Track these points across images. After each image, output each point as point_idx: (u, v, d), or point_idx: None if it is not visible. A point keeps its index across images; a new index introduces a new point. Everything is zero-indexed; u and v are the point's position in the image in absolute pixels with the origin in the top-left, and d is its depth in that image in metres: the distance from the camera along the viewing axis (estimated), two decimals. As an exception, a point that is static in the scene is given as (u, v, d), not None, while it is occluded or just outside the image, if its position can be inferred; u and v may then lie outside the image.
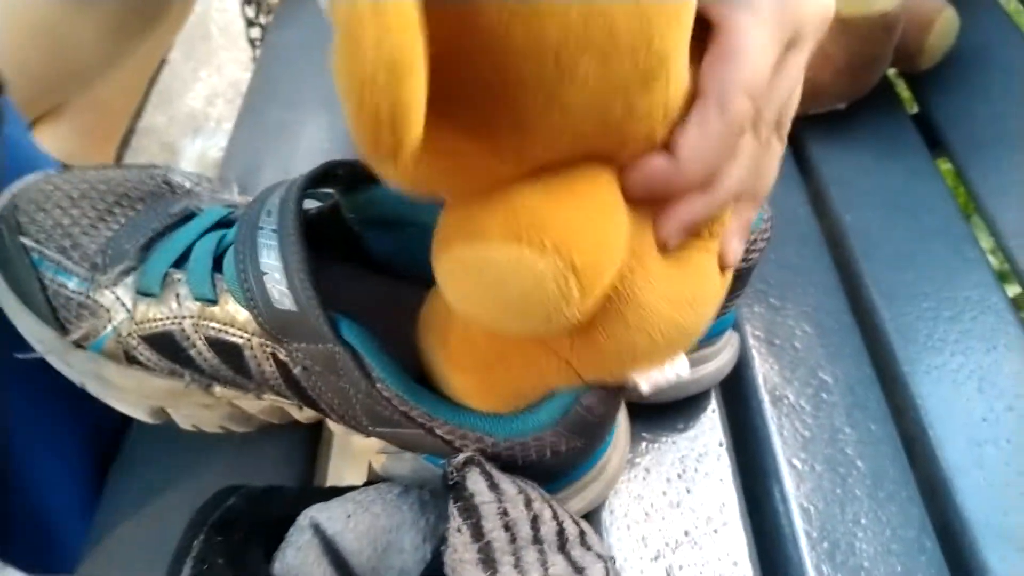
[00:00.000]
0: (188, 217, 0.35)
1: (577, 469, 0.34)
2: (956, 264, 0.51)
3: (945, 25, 0.58)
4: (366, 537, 0.28)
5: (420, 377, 0.32)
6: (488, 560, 0.24)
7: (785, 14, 0.23)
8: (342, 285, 0.36)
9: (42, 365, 0.35)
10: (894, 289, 0.49)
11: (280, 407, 0.36)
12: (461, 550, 0.24)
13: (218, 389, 0.35)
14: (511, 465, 0.30)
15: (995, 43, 0.63)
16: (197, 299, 0.32)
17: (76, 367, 0.35)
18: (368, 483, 0.32)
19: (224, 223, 0.34)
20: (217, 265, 0.32)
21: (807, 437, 0.42)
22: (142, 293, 0.33)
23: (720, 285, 0.27)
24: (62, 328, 0.34)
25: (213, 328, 0.32)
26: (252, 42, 0.96)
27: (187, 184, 0.38)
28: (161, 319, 0.33)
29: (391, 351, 0.30)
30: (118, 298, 0.33)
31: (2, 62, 0.47)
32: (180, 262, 0.33)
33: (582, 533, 0.28)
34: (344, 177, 0.34)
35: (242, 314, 0.31)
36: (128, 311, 0.33)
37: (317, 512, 0.29)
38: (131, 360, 0.34)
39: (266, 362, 0.32)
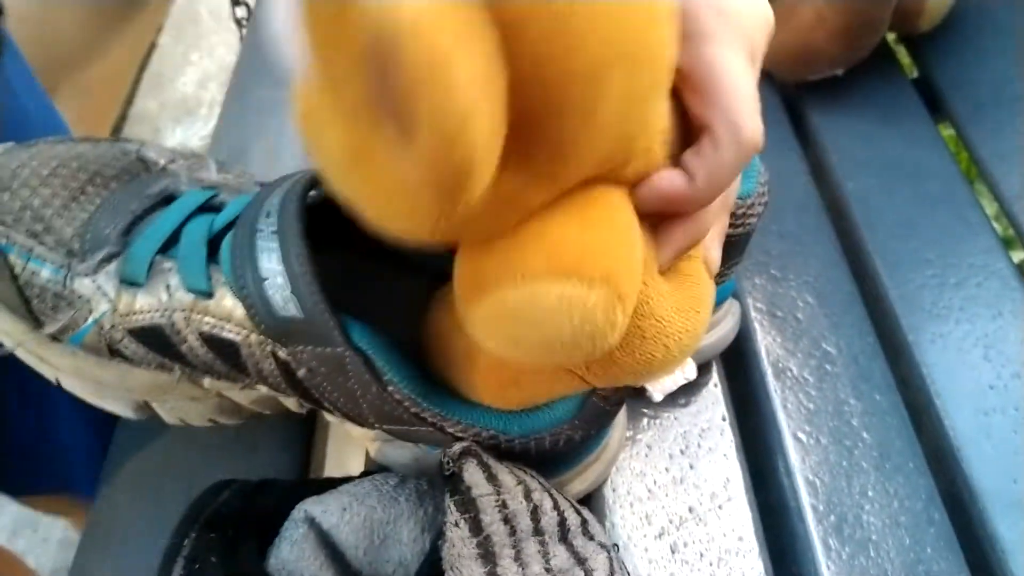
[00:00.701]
0: (168, 199, 0.33)
1: (582, 453, 0.33)
2: (960, 230, 0.50)
3: (945, -16, 0.57)
4: (363, 530, 0.27)
5: (425, 368, 0.31)
6: (487, 554, 0.24)
7: (742, 32, 0.24)
8: (344, 282, 0.34)
9: None
10: (897, 257, 0.49)
11: (273, 397, 0.35)
12: (459, 545, 0.23)
13: (207, 381, 0.33)
14: (524, 456, 0.30)
15: (996, 4, 0.62)
16: (190, 291, 0.30)
17: (51, 362, 0.33)
18: (365, 472, 0.32)
19: (208, 207, 0.33)
20: (211, 254, 0.30)
21: (811, 410, 0.42)
22: (126, 282, 0.31)
23: (712, 287, 0.28)
24: (36, 321, 0.32)
25: (207, 323, 0.30)
26: (239, 22, 0.95)
27: (162, 161, 0.36)
28: (149, 311, 0.31)
29: (398, 348, 0.29)
30: (99, 287, 0.31)
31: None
32: (166, 248, 0.31)
33: (584, 522, 0.28)
34: None
35: (240, 309, 0.29)
36: (111, 301, 0.31)
37: (312, 506, 0.28)
38: (114, 353, 0.32)
39: (265, 360, 0.30)
